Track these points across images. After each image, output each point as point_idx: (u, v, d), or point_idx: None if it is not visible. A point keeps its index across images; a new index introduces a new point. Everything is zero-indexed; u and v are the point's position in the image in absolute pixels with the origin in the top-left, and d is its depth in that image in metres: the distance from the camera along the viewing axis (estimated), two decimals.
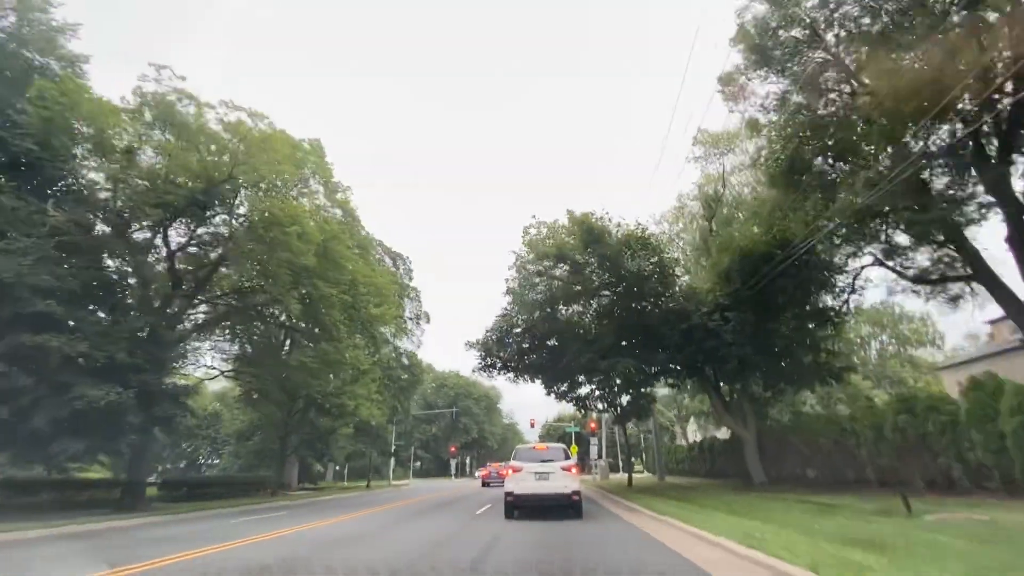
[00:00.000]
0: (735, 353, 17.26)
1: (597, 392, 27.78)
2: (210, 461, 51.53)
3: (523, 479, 11.98)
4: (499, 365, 21.86)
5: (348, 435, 37.37)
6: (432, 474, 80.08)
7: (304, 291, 18.03)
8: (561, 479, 11.86)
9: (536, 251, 18.24)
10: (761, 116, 18.92)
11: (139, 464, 20.05)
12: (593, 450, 44.63)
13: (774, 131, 17.71)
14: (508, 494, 12.07)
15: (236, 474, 35.09)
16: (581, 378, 24.91)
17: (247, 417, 35.02)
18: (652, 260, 17.47)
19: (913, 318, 58.34)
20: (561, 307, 20.00)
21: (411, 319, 48.79)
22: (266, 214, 16.78)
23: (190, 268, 20.22)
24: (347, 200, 24.61)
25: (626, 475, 27.63)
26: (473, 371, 22.64)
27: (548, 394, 27.29)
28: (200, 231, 18.76)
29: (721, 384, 21.09)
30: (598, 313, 19.75)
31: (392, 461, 50.42)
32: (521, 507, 12.08)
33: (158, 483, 30.27)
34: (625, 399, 27.62)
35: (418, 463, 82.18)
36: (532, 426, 60.14)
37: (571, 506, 11.81)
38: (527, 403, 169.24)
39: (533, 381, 23.12)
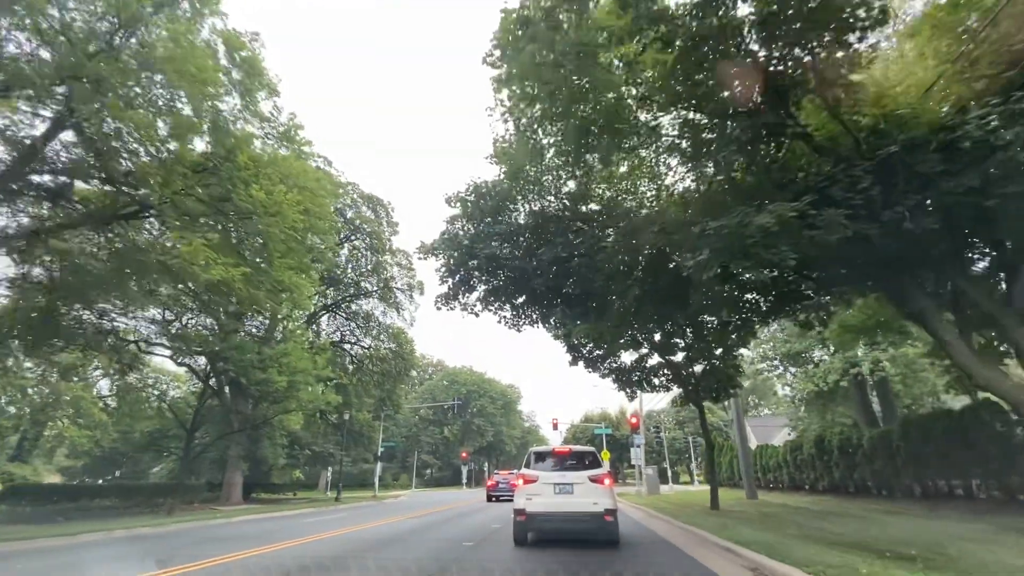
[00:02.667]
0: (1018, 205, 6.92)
1: (654, 356, 17.66)
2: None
3: (538, 492, 8.86)
4: (482, 287, 11.93)
5: (301, 429, 27.94)
6: (444, 483, 70.87)
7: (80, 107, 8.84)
8: (590, 493, 8.67)
9: None
10: None
11: None
12: (634, 454, 33.47)
13: None
14: (518, 512, 8.91)
15: (139, 483, 26.13)
16: (634, 329, 14.84)
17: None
18: None
19: None
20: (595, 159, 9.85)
21: (401, 290, 39.67)
22: None
23: None
24: (247, 45, 15.37)
25: (677, 488, 17.48)
26: (437, 305, 12.80)
27: (574, 361, 17.41)
28: None
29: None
30: (677, 150, 9.40)
31: (378, 467, 40.72)
32: (536, 530, 9.10)
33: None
34: (698, 368, 17.57)
35: (428, 470, 72.87)
36: (555, 427, 50.27)
37: (602, 529, 8.55)
38: (550, 404, 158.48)
39: (544, 322, 13.08)
